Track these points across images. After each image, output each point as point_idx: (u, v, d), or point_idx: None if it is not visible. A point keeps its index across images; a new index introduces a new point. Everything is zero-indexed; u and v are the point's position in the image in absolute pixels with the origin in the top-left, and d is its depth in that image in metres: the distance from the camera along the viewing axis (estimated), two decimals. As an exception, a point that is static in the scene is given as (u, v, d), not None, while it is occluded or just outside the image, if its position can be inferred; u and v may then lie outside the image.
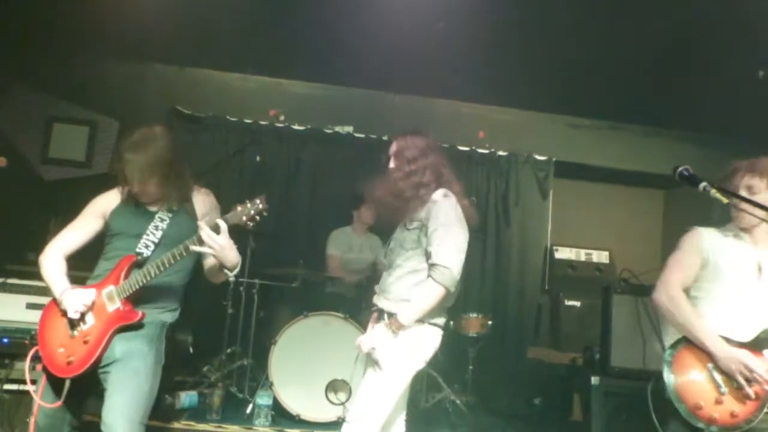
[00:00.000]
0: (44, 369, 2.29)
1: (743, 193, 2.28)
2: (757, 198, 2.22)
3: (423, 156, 2.52)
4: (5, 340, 3.27)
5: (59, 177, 4.91)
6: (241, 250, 4.02)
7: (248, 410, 3.61)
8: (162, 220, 2.40)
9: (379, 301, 2.49)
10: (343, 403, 3.53)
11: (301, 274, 4.14)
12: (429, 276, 2.32)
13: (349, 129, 5.26)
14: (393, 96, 5.38)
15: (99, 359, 2.20)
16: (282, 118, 5.19)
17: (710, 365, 2.20)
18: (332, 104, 5.35)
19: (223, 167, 4.75)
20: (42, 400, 2.27)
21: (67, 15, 4.29)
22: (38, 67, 4.94)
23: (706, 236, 2.38)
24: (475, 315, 4.30)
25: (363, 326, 3.67)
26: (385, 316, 2.39)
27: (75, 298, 2.23)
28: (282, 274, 4.24)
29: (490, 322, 4.33)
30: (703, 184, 1.97)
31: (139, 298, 2.29)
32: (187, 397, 3.71)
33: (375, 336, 2.36)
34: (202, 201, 2.51)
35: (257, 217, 2.20)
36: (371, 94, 5.36)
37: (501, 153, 5.40)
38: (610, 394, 3.38)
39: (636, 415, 3.01)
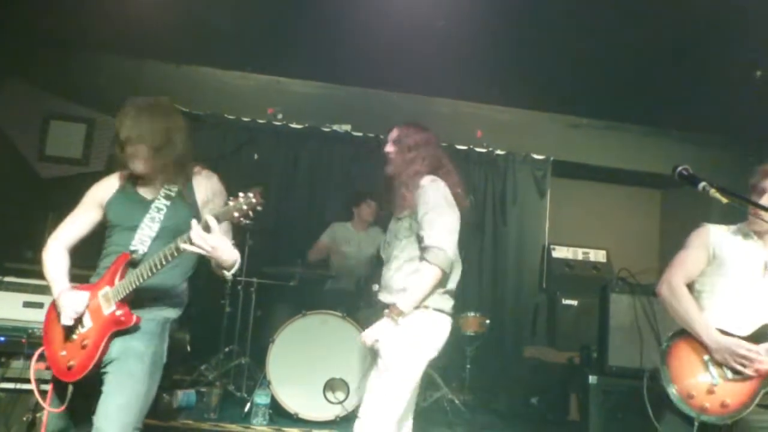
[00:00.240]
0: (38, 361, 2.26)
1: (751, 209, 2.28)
2: (755, 214, 2.25)
3: (424, 145, 2.55)
4: (2, 339, 3.26)
5: (56, 174, 4.89)
6: (239, 248, 4.04)
7: (246, 409, 3.60)
8: (158, 210, 2.26)
9: (383, 296, 2.47)
10: (341, 402, 3.53)
11: (299, 272, 4.14)
12: (423, 259, 2.31)
13: (347, 127, 5.26)
14: (391, 94, 5.37)
15: (98, 363, 2.12)
16: (280, 116, 5.18)
17: (705, 357, 2.24)
18: (330, 103, 5.34)
19: (221, 165, 4.73)
20: (49, 404, 2.21)
21: (64, 12, 4.28)
22: (35, 64, 4.93)
23: (713, 232, 2.42)
24: (472, 314, 4.30)
25: (361, 325, 3.67)
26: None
27: (67, 304, 2.15)
28: (280, 272, 4.24)
29: (487, 321, 4.33)
30: (703, 183, 1.98)
31: (136, 296, 2.17)
32: (184, 396, 3.70)
33: (377, 328, 2.32)
34: (203, 185, 2.33)
35: (251, 213, 1.99)
36: (369, 93, 5.36)
37: (499, 152, 5.40)
38: (607, 393, 3.39)
39: (633, 414, 3.02)
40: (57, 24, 4.52)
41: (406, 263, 2.40)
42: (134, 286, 2.11)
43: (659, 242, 5.87)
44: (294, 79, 5.32)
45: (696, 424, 2.17)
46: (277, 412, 3.56)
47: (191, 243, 2.00)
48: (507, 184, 5.37)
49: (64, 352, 2.18)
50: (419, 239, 2.35)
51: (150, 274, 2.10)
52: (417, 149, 2.53)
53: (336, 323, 3.65)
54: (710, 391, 2.19)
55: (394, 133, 2.63)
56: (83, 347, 2.14)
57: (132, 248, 2.21)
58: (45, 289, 3.46)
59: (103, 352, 2.12)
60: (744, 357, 2.15)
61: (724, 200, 1.92)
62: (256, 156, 4.92)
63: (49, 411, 2.20)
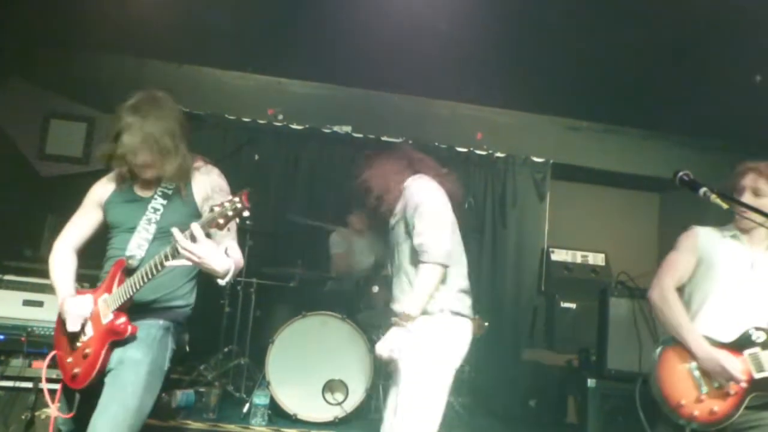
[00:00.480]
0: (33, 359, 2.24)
1: (748, 194, 2.35)
2: (763, 200, 2.30)
3: (390, 156, 2.57)
4: (1, 337, 3.27)
5: (56, 173, 4.88)
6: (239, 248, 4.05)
7: (245, 409, 3.59)
8: (155, 211, 2.20)
9: (396, 307, 2.39)
10: (339, 403, 3.54)
11: (298, 273, 4.14)
12: (420, 261, 2.25)
13: (348, 129, 5.26)
14: (391, 96, 5.37)
15: (101, 371, 2.07)
16: (280, 117, 5.18)
17: (693, 365, 2.29)
18: (331, 104, 5.34)
19: (221, 166, 4.72)
20: (59, 409, 2.18)
21: (66, 10, 4.27)
22: (36, 63, 4.93)
23: (702, 235, 2.47)
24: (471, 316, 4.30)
25: (361, 327, 3.68)
26: None
27: (72, 310, 2.11)
28: (280, 273, 4.24)
29: (486, 324, 4.34)
30: (703, 189, 2.00)
31: (135, 301, 2.11)
32: (183, 396, 3.69)
33: (390, 338, 2.21)
34: (202, 181, 2.26)
35: (237, 219, 1.89)
36: (370, 94, 5.36)
37: (499, 154, 5.41)
38: (606, 397, 3.40)
39: (632, 418, 3.03)
40: (58, 23, 4.51)
41: (412, 269, 2.33)
42: (129, 295, 2.05)
43: (658, 246, 5.88)
44: (295, 80, 5.32)
45: (687, 431, 2.22)
46: (276, 413, 3.55)
47: (177, 255, 1.91)
48: (507, 186, 5.38)
49: (70, 359, 2.16)
50: (413, 240, 2.31)
51: (142, 283, 2.03)
52: (387, 160, 2.52)
53: (336, 324, 3.66)
54: (699, 400, 2.24)
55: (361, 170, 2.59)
56: (85, 356, 2.10)
57: (128, 254, 2.16)
58: (45, 288, 3.48)
59: (105, 361, 2.06)
60: (727, 373, 2.20)
61: (725, 206, 1.94)
62: (256, 157, 4.92)
63: (59, 416, 2.17)
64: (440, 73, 4.78)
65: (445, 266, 2.25)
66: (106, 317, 2.08)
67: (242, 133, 5.07)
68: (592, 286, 4.80)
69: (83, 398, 2.14)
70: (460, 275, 2.37)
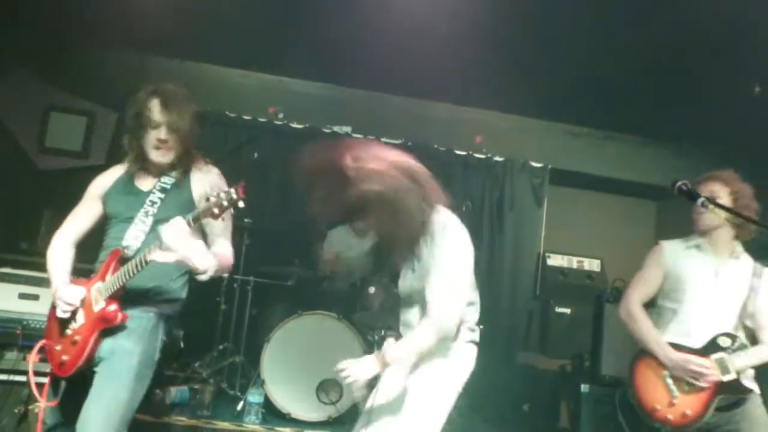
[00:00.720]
0: (29, 352, 2.30)
1: (692, 211, 2.55)
2: (699, 212, 2.50)
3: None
4: (-3, 330, 3.26)
5: (55, 167, 4.87)
6: (236, 247, 4.05)
7: (239, 407, 3.60)
8: (153, 204, 2.26)
9: (404, 332, 2.28)
10: (333, 403, 3.54)
11: (296, 272, 4.14)
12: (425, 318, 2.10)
13: (348, 129, 5.27)
14: (392, 98, 5.39)
15: (89, 359, 2.10)
16: (281, 115, 5.19)
17: (665, 372, 2.48)
18: (332, 104, 5.35)
19: (221, 163, 4.72)
20: (47, 398, 2.21)
21: (68, 5, 4.27)
22: (38, 56, 4.91)
23: (667, 250, 2.66)
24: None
25: (356, 327, 3.69)
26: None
27: (63, 298, 2.15)
28: (277, 272, 4.24)
29: (480, 327, 4.35)
30: (702, 199, 2.02)
31: (127, 292, 2.15)
32: (177, 392, 3.69)
33: (362, 367, 2.06)
34: (201, 180, 2.33)
35: (231, 209, 1.96)
36: (370, 95, 5.37)
37: (497, 158, 5.43)
38: (599, 402, 3.42)
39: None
40: (60, 17, 4.52)
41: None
42: (121, 283, 2.09)
43: (653, 253, 5.90)
44: (296, 79, 5.33)
45: None
46: (270, 411, 3.56)
47: (162, 250, 1.96)
48: (504, 190, 5.40)
49: (59, 347, 2.18)
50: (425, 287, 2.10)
51: (135, 272, 2.06)
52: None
53: (331, 324, 3.67)
54: (671, 404, 2.42)
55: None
56: (74, 343, 2.13)
57: (124, 244, 2.20)
58: (41, 281, 3.47)
59: (93, 349, 2.09)
60: (695, 372, 2.37)
61: (723, 216, 1.95)
62: (256, 155, 4.92)
63: (45, 405, 2.19)
64: (441, 76, 4.79)
65: (447, 336, 2.10)
66: (98, 305, 2.12)
67: (242, 131, 5.07)
68: (587, 291, 4.83)
69: (69, 387, 2.17)
70: (473, 313, 2.30)
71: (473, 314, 2.30)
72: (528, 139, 5.58)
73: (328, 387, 3.57)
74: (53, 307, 2.25)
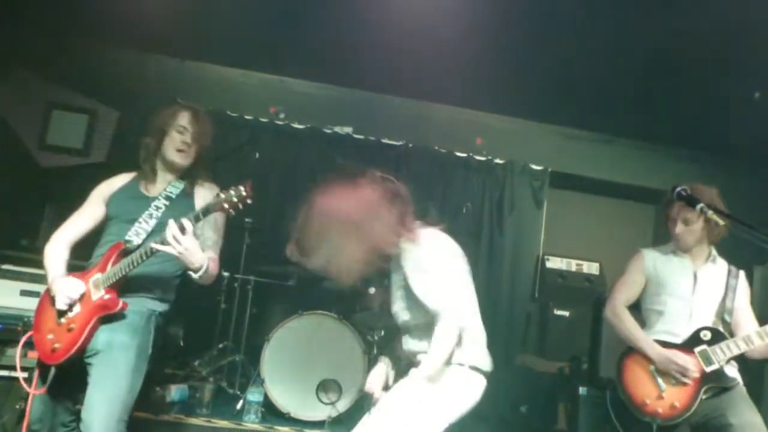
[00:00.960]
0: (29, 350, 2.34)
1: (680, 224, 2.70)
2: (692, 226, 2.67)
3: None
4: (-2, 326, 3.27)
5: (56, 164, 4.88)
6: (237, 246, 4.07)
7: (238, 406, 3.61)
8: (158, 209, 2.40)
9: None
10: (333, 403, 3.56)
11: (296, 272, 4.16)
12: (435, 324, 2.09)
13: (349, 130, 5.28)
14: (393, 99, 5.40)
15: (82, 347, 2.19)
16: (282, 115, 5.20)
17: (651, 368, 2.60)
18: (332, 104, 5.36)
19: (222, 163, 4.74)
20: (32, 385, 2.28)
21: (71, 3, 4.28)
22: (40, 54, 4.91)
23: (648, 257, 2.84)
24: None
25: (357, 328, 3.71)
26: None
27: (63, 289, 2.23)
28: (277, 271, 4.25)
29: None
30: (700, 205, 2.04)
31: (125, 286, 2.27)
32: (177, 391, 3.71)
33: (403, 389, 2.03)
34: (203, 195, 2.50)
35: (240, 205, 2.13)
36: (372, 97, 5.38)
37: (498, 161, 5.45)
38: (596, 405, 3.43)
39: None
40: (62, 15, 4.53)
41: (426, 331, 2.12)
42: (123, 274, 2.22)
43: (651, 257, 5.93)
44: (297, 79, 5.34)
45: (654, 428, 2.49)
46: (270, 411, 3.58)
47: (165, 243, 2.12)
48: (504, 192, 5.41)
49: (51, 336, 2.26)
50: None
51: (137, 263, 2.20)
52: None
53: (332, 324, 3.68)
54: (660, 397, 2.53)
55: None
56: (69, 330, 2.21)
57: (127, 238, 2.32)
58: (42, 279, 3.45)
59: (88, 337, 2.19)
60: (681, 366, 2.50)
61: (722, 222, 1.97)
62: (257, 155, 4.93)
63: (32, 392, 2.27)
64: (442, 78, 4.82)
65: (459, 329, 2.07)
66: (97, 294, 2.24)
67: (244, 131, 5.08)
68: (585, 294, 4.85)
69: (58, 374, 2.23)
70: (479, 330, 2.25)
71: (474, 335, 2.22)
72: (528, 141, 5.60)
73: (328, 387, 3.59)
74: (43, 299, 2.36)
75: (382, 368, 2.33)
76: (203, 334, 4.31)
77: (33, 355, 3.18)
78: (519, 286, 5.35)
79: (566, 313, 4.93)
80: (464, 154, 5.39)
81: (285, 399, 3.59)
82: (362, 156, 5.22)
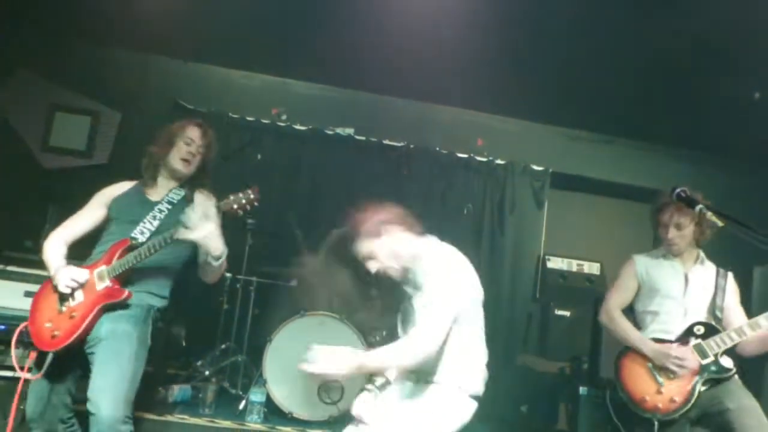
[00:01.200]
0: (33, 348, 2.36)
1: (673, 229, 2.77)
2: (684, 231, 2.75)
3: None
4: (2, 327, 3.30)
5: (59, 166, 4.91)
6: (239, 247, 4.08)
7: (241, 406, 3.63)
8: (161, 212, 2.52)
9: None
10: (335, 403, 3.58)
11: (298, 273, 4.16)
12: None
13: (350, 131, 5.30)
14: (394, 100, 5.41)
15: (84, 334, 2.27)
16: (284, 117, 5.22)
17: (649, 364, 2.66)
18: (334, 106, 5.38)
19: (224, 164, 4.76)
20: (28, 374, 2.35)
21: (74, 4, 4.30)
22: (43, 56, 4.94)
23: (639, 262, 2.93)
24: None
25: (358, 328, 3.72)
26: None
27: (67, 274, 2.32)
28: (279, 272, 4.27)
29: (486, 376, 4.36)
30: (699, 206, 2.05)
31: (128, 280, 2.39)
32: (180, 391, 3.73)
33: (336, 356, 2.10)
34: (202, 204, 2.55)
35: (248, 207, 2.31)
36: (373, 98, 5.40)
37: (499, 161, 5.46)
38: (597, 405, 3.45)
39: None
40: (65, 17, 4.55)
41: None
42: (130, 265, 2.33)
43: (652, 257, 5.93)
44: (299, 81, 5.36)
45: (656, 424, 2.53)
46: (272, 411, 3.59)
47: (188, 228, 2.25)
48: (505, 193, 5.43)
49: (49, 324, 2.33)
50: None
51: (148, 254, 2.32)
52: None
53: (333, 325, 3.70)
54: (659, 392, 2.58)
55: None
56: (71, 317, 2.30)
57: (133, 236, 2.44)
58: (46, 279, 3.51)
59: (90, 325, 2.28)
60: (677, 358, 2.56)
61: (721, 223, 1.98)
62: (259, 156, 4.95)
63: (25, 376, 2.35)
64: (443, 79, 4.83)
65: (415, 362, 2.07)
66: (103, 284, 2.35)
67: (246, 132, 5.10)
68: (586, 294, 4.86)
69: (60, 363, 2.30)
70: (479, 353, 2.26)
71: (478, 362, 2.23)
72: (529, 142, 5.61)
73: (330, 387, 3.60)
74: (42, 290, 2.44)
75: (369, 396, 2.32)
76: (206, 334, 4.33)
77: (34, 356, 3.23)
78: (520, 286, 5.36)
79: (567, 313, 4.95)
80: (465, 155, 5.41)
81: (287, 399, 3.60)
82: (364, 157, 5.24)
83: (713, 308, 2.75)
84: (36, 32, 4.85)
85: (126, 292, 2.34)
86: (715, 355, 2.59)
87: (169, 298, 2.55)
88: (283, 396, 3.60)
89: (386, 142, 5.30)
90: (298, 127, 5.21)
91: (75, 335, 2.25)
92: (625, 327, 2.79)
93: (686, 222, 2.74)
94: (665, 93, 4.53)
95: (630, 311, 2.94)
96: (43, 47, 4.94)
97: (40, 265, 3.39)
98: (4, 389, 3.18)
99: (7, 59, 4.85)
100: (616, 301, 2.90)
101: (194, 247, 2.49)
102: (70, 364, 2.33)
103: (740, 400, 2.51)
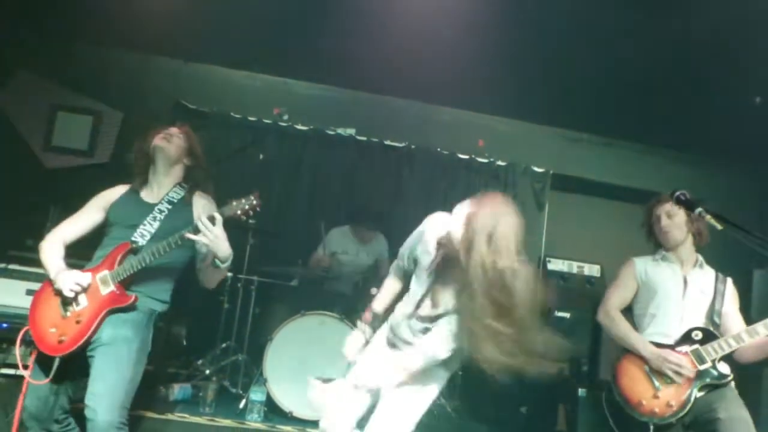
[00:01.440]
0: (35, 348, 2.35)
1: (664, 218, 2.82)
2: (674, 219, 2.79)
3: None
4: (4, 325, 3.32)
5: (61, 165, 4.93)
6: (240, 246, 4.09)
7: (241, 405, 3.64)
8: (161, 212, 2.52)
9: (405, 333, 2.29)
10: (335, 403, 3.58)
11: (299, 272, 4.18)
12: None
13: (352, 131, 5.31)
14: (396, 100, 5.43)
15: (89, 339, 2.27)
16: (285, 117, 5.23)
17: (646, 368, 2.64)
18: (336, 106, 5.39)
19: (225, 164, 4.77)
20: (32, 378, 2.34)
21: (75, 4, 4.32)
22: (45, 55, 4.97)
23: (638, 264, 2.93)
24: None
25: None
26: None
27: (70, 278, 2.31)
28: (280, 272, 4.28)
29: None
30: (699, 209, 2.06)
31: (130, 284, 2.39)
32: (180, 390, 3.74)
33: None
34: (201, 204, 2.61)
35: (251, 212, 2.32)
36: (374, 98, 5.41)
37: (500, 163, 5.47)
38: (596, 406, 3.45)
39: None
40: (66, 17, 4.57)
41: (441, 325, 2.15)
42: (135, 270, 2.34)
43: (652, 259, 5.94)
44: (301, 81, 5.38)
45: (651, 428, 2.53)
46: (272, 410, 3.60)
47: (196, 232, 2.27)
48: (506, 194, 5.41)
49: (53, 329, 2.32)
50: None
51: (152, 258, 2.33)
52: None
53: (334, 324, 3.71)
54: (655, 396, 2.58)
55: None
56: (77, 322, 2.30)
57: (133, 239, 2.43)
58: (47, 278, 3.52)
59: (96, 329, 2.29)
60: (675, 364, 2.55)
61: (720, 227, 1.99)
62: (261, 156, 4.96)
63: (32, 383, 2.33)
64: (444, 80, 4.84)
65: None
66: (107, 289, 2.35)
67: (247, 132, 5.11)
68: (586, 296, 4.85)
69: (63, 367, 2.30)
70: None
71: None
72: (530, 144, 5.62)
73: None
74: (41, 293, 2.42)
75: (359, 335, 2.43)
76: (206, 333, 4.34)
77: (35, 354, 3.23)
78: (520, 287, 5.36)
79: (567, 315, 4.95)
80: (466, 156, 5.42)
81: (287, 398, 3.61)
82: (365, 157, 5.25)
83: (711, 313, 2.73)
84: (37, 33, 4.87)
85: (132, 297, 2.35)
86: (713, 361, 2.58)
87: (170, 302, 2.55)
88: (284, 395, 3.61)
89: (387, 142, 5.32)
90: (299, 127, 5.22)
91: (82, 341, 2.26)
92: (623, 328, 2.78)
93: (676, 211, 2.77)
94: (666, 95, 4.54)
95: (628, 313, 2.93)
96: (45, 48, 4.97)
97: (42, 263, 3.43)
98: (5, 387, 3.20)
99: (8, 60, 4.88)
100: (615, 300, 2.89)
101: (194, 251, 2.52)
102: (72, 366, 2.34)
103: (732, 410, 2.49)
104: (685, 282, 2.80)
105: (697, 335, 2.64)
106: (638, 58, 4.10)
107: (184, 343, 4.35)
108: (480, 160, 5.44)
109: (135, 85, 5.14)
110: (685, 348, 2.63)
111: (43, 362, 2.34)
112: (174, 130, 2.64)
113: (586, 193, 5.93)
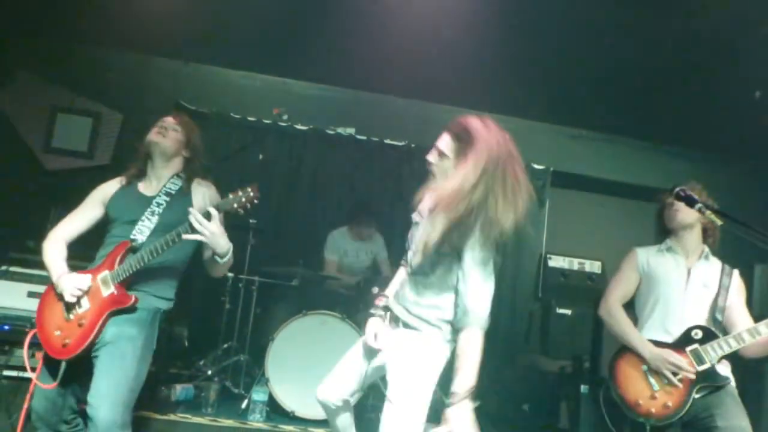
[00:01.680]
0: (43, 351, 2.34)
1: (667, 209, 2.77)
2: (676, 209, 2.70)
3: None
4: (6, 327, 3.31)
5: (61, 167, 4.93)
6: (241, 246, 4.10)
7: (243, 405, 3.65)
8: (159, 206, 2.48)
9: (396, 307, 2.33)
10: (337, 402, 3.58)
11: (300, 272, 4.19)
12: (461, 323, 2.17)
13: (351, 130, 5.31)
14: (395, 99, 5.42)
15: (93, 342, 2.27)
16: (285, 117, 5.23)
17: (644, 367, 2.61)
18: (335, 105, 5.39)
19: (225, 164, 4.78)
20: (40, 381, 2.34)
21: (74, 5, 4.31)
22: (44, 57, 4.97)
23: (641, 255, 2.86)
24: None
25: (360, 327, 3.73)
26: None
27: (71, 283, 2.30)
28: (281, 272, 4.29)
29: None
30: (699, 205, 2.06)
31: (133, 283, 2.37)
32: (182, 390, 3.74)
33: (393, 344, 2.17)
34: (201, 192, 2.58)
35: (248, 205, 2.26)
36: (374, 97, 5.40)
37: (500, 160, 5.45)
38: (598, 403, 3.45)
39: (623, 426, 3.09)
40: (66, 19, 4.56)
41: (436, 292, 2.22)
42: (134, 270, 2.31)
43: (653, 255, 5.94)
44: (300, 81, 5.37)
45: (648, 428, 2.51)
46: (274, 410, 3.61)
47: (192, 230, 2.23)
48: (506, 193, 5.41)
49: (58, 332, 2.32)
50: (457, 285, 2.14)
51: (151, 257, 2.29)
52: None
53: (335, 324, 3.71)
54: (653, 397, 2.55)
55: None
56: (80, 325, 2.29)
57: (132, 237, 2.41)
58: (48, 280, 3.51)
59: (99, 331, 2.27)
60: (674, 365, 2.51)
61: (719, 222, 1.99)
62: (261, 156, 4.96)
63: (40, 386, 2.32)
64: (444, 78, 4.83)
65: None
66: (108, 290, 2.33)
67: (247, 132, 5.11)
68: (587, 293, 4.88)
69: (70, 369, 2.30)
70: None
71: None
72: (530, 141, 5.58)
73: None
74: (46, 297, 2.42)
75: (377, 320, 2.35)
76: (208, 334, 4.35)
77: (41, 355, 3.24)
78: (521, 284, 5.37)
79: (568, 312, 4.95)
80: (467, 155, 5.40)
81: (289, 398, 3.61)
82: (365, 156, 5.25)
83: (714, 309, 2.65)
84: (36, 34, 4.86)
85: (133, 298, 2.33)
86: (712, 362, 2.53)
87: (174, 299, 2.53)
88: (286, 395, 3.61)
89: (387, 141, 5.32)
90: (299, 126, 5.22)
91: (86, 343, 2.25)
92: (624, 324, 2.73)
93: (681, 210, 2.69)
94: (666, 91, 4.53)
95: (630, 307, 2.87)
96: (44, 49, 4.97)
97: (43, 265, 3.42)
98: (7, 388, 3.21)
99: (7, 61, 4.88)
100: (616, 294, 2.84)
101: (197, 245, 2.48)
102: (78, 367, 2.32)
103: (731, 419, 2.43)
104: (689, 273, 2.73)
105: (697, 334, 2.59)
106: (638, 55, 4.09)
107: (186, 343, 4.36)
108: (480, 158, 5.42)
109: (134, 86, 5.13)
110: (685, 347, 2.58)
111: (51, 364, 2.33)
112: (170, 121, 2.58)
113: (586, 189, 5.92)
